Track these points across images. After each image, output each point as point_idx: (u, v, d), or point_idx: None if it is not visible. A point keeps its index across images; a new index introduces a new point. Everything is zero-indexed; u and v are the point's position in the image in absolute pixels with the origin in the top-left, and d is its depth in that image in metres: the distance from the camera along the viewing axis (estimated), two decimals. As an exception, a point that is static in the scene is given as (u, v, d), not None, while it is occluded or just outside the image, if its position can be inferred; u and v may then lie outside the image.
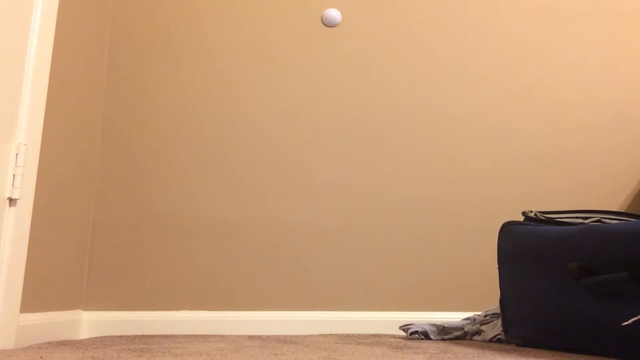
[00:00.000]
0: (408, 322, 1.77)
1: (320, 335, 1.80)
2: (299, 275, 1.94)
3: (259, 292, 1.90)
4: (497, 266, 1.57)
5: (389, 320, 1.91)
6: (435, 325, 1.71)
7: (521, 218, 1.60)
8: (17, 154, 1.39)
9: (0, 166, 1.35)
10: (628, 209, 2.15)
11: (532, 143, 2.14)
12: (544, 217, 1.50)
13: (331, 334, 1.83)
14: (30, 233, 1.44)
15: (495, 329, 1.62)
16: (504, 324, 1.50)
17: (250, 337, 1.68)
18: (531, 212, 1.52)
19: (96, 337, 1.68)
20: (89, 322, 1.77)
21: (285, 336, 1.74)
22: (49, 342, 1.48)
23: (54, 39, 1.54)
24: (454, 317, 1.92)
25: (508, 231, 1.51)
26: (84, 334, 1.76)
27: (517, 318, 1.44)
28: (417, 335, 1.69)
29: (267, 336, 1.73)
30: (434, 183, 2.06)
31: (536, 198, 2.10)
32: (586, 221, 1.50)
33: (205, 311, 1.86)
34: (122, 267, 1.84)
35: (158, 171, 1.92)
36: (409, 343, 1.56)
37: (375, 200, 2.02)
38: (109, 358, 1.14)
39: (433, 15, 2.17)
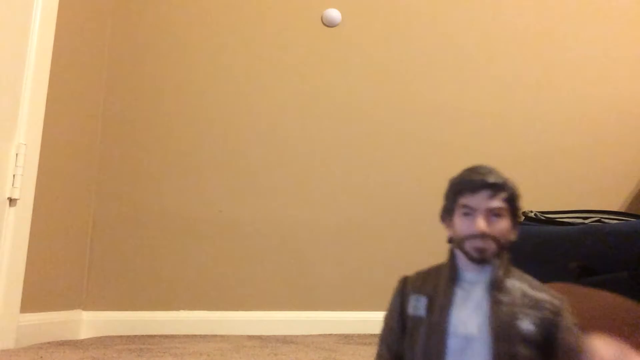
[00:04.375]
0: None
1: (320, 335, 1.80)
2: (300, 275, 1.94)
3: (259, 292, 1.90)
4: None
5: (389, 320, 1.91)
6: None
7: (521, 218, 1.60)
8: (17, 154, 1.39)
9: (0, 166, 1.35)
10: (628, 209, 2.15)
11: (532, 143, 2.14)
12: (544, 217, 1.50)
13: (331, 334, 1.83)
14: (30, 233, 1.44)
15: (495, 329, 1.62)
16: (504, 324, 1.50)
17: (250, 337, 1.68)
18: (531, 212, 1.52)
19: (96, 337, 1.68)
20: (89, 322, 1.77)
21: (285, 336, 1.74)
22: (49, 342, 1.48)
23: (54, 39, 1.54)
24: (454, 317, 1.91)
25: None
26: (84, 334, 1.75)
27: (517, 318, 1.44)
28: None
29: (267, 336, 1.73)
30: (434, 183, 2.06)
31: (536, 198, 2.10)
32: (586, 221, 1.50)
33: (205, 311, 1.86)
34: (122, 267, 1.84)
35: (158, 171, 1.92)
36: (409, 343, 1.56)
37: (375, 200, 2.02)
38: (109, 358, 1.14)
39: (433, 15, 2.17)
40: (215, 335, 1.74)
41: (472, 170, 0.47)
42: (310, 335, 1.78)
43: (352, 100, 2.07)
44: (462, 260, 0.45)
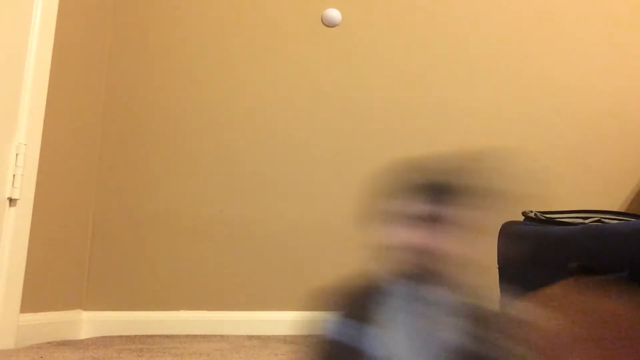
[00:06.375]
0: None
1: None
2: (300, 275, 1.93)
3: (259, 292, 1.90)
4: (497, 266, 1.57)
5: (389, 320, 1.91)
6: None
7: (521, 218, 1.60)
8: (17, 154, 1.39)
9: (0, 166, 1.35)
10: (628, 209, 2.15)
11: (532, 143, 2.14)
12: (544, 217, 1.50)
13: (331, 334, 1.82)
14: (30, 233, 1.44)
15: (495, 329, 1.62)
16: (504, 324, 1.50)
17: (250, 337, 1.68)
18: (531, 212, 1.52)
19: (96, 337, 1.68)
20: (89, 322, 1.77)
21: (285, 336, 1.74)
22: (49, 342, 1.48)
23: (54, 39, 1.54)
24: (454, 317, 1.91)
25: (508, 231, 1.51)
26: (84, 334, 1.75)
27: (517, 318, 1.44)
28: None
29: (267, 336, 1.73)
30: (434, 183, 2.06)
31: (536, 198, 2.10)
32: (586, 221, 1.50)
33: (205, 311, 1.86)
34: (122, 267, 1.84)
35: (158, 171, 1.92)
36: (409, 343, 1.56)
37: (375, 200, 2.02)
38: (109, 358, 1.14)
39: (432, 15, 2.17)
40: (215, 335, 1.74)
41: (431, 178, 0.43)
42: (310, 335, 1.77)
43: (352, 100, 2.07)
44: (391, 275, 0.41)
